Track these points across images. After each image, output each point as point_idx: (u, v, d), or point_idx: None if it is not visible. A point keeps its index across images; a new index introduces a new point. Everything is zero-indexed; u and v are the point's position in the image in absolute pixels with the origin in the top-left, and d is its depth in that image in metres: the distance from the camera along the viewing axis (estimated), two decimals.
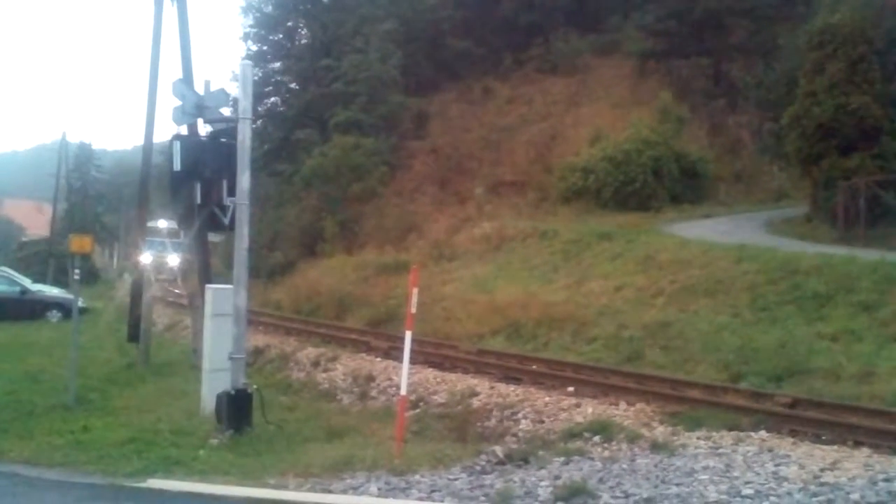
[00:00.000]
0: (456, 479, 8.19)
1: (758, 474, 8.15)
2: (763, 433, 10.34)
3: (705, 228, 25.73)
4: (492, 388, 14.36)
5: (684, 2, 38.35)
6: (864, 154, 23.54)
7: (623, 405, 12.54)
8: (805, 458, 8.97)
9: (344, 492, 7.80)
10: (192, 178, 11.54)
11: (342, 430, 11.70)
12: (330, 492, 7.82)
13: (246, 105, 11.05)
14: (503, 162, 39.48)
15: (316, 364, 18.51)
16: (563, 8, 46.44)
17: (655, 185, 32.10)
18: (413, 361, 11.32)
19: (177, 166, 11.63)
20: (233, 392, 10.48)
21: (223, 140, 11.80)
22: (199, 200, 11.58)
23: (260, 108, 44.51)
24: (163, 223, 38.43)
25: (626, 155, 31.81)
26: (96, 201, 70.42)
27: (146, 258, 21.22)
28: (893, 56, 25.15)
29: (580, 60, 43.95)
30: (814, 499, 7.22)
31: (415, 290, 9.35)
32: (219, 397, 10.61)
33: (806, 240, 22.79)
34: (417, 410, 14.09)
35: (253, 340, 19.38)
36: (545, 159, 37.65)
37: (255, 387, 10.96)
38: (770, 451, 9.36)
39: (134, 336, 18.95)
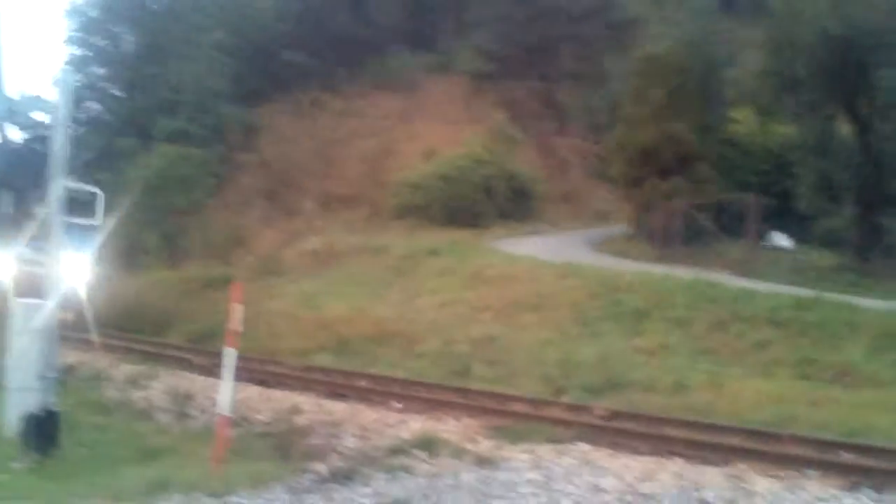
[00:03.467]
0: (276, 500, 7.95)
1: (577, 486, 8.30)
2: (583, 445, 10.53)
3: (532, 245, 26.36)
4: (318, 405, 14.10)
5: (517, 26, 39.41)
6: (680, 178, 24.77)
7: (450, 420, 12.53)
8: (622, 469, 9.20)
9: None
10: (2, 187, 10.91)
11: (158, 451, 11.20)
12: None
13: (63, 111, 10.45)
14: (334, 176, 39.22)
15: (132, 382, 17.62)
16: (398, 26, 46.76)
17: (486, 202, 32.67)
18: (237, 378, 10.91)
19: None
20: (39, 412, 9.86)
21: (37, 147, 11.17)
22: (9, 210, 10.97)
23: (81, 115, 42.26)
24: None
25: (459, 172, 32.28)
26: None
27: None
28: (709, 87, 26.64)
29: (414, 77, 44.27)
30: None
31: (238, 307, 9.05)
32: (24, 418, 9.96)
33: (627, 258, 23.75)
34: (240, 429, 13.65)
35: (64, 357, 18.33)
36: (377, 174, 37.68)
37: (64, 407, 10.36)
38: (589, 463, 9.54)
39: None
